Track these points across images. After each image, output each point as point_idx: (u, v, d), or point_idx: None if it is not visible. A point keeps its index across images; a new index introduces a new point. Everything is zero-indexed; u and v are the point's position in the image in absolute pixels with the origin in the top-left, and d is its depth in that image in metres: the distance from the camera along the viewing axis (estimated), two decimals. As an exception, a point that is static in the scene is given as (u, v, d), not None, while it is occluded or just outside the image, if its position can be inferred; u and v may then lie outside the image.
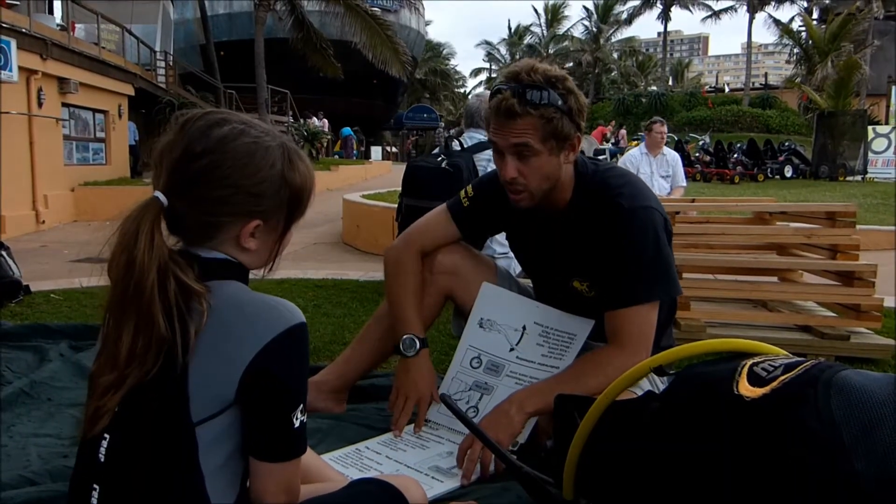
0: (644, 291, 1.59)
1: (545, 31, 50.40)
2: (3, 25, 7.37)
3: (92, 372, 0.97)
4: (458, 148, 3.23)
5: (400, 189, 3.35)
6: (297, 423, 0.94)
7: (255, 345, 0.91)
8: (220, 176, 0.95)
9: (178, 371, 0.90)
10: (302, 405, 0.95)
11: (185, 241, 1.00)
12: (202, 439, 0.91)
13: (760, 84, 38.88)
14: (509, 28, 55.27)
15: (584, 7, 48.12)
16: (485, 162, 2.98)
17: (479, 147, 3.09)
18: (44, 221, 8.17)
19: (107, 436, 0.94)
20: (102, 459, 0.93)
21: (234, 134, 0.98)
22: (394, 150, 36.27)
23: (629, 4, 42.76)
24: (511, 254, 3.00)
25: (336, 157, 22.44)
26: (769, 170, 15.91)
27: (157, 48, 17.54)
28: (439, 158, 3.15)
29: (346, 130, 24.92)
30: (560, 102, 1.50)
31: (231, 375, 0.90)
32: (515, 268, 2.95)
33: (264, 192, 0.99)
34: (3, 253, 3.59)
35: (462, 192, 1.86)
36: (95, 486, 0.93)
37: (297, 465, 0.97)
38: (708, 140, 17.90)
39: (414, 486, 1.18)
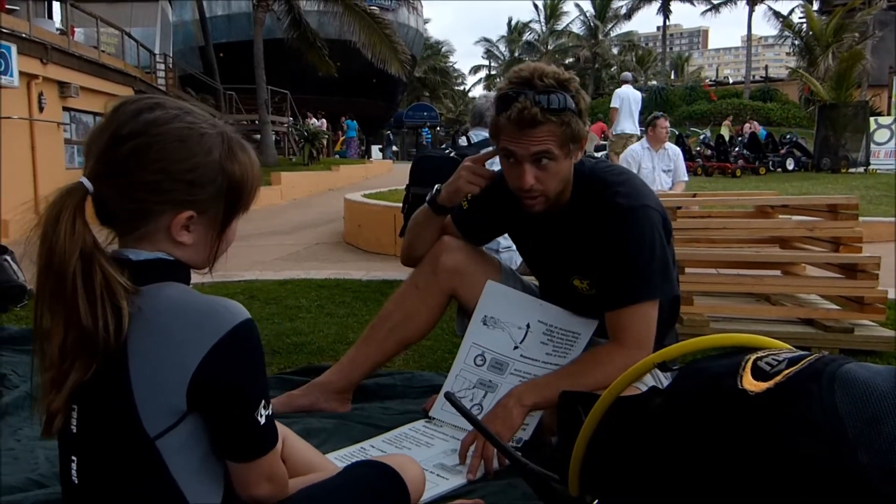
0: (643, 290, 1.59)
1: (544, 28, 50.35)
2: (3, 30, 7.38)
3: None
4: (466, 144, 3.30)
5: (404, 187, 3.42)
6: (262, 420, 0.92)
7: (199, 352, 0.87)
8: (149, 160, 0.90)
9: (108, 372, 0.87)
10: (264, 401, 0.92)
11: (117, 234, 0.95)
12: (166, 451, 0.88)
13: (761, 77, 38.76)
14: (509, 25, 55.12)
15: (577, 5, 47.87)
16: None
17: (488, 143, 3.14)
18: (47, 225, 8.18)
19: (74, 458, 0.92)
20: (76, 482, 0.92)
21: (165, 118, 0.92)
22: (394, 148, 36.28)
23: (628, -1, 42.75)
24: (514, 247, 3.01)
25: (337, 156, 22.45)
26: (771, 163, 15.86)
27: (157, 51, 17.56)
28: (447, 150, 3.22)
29: (351, 130, 24.84)
30: (573, 105, 1.50)
31: (177, 385, 0.87)
32: (517, 259, 2.97)
33: (197, 180, 0.93)
34: (7, 258, 3.59)
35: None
36: None
37: (275, 454, 0.96)
38: (709, 134, 17.87)
39: (409, 464, 1.17)
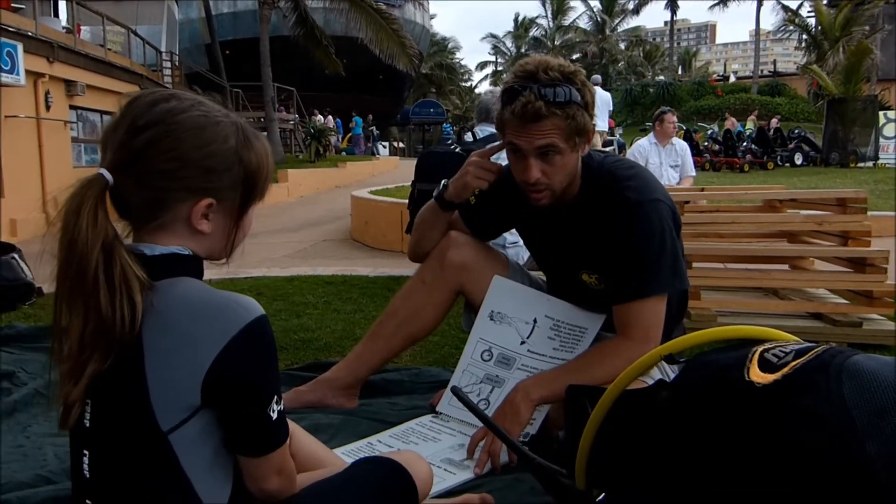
0: (651, 284, 1.59)
1: (551, 23, 50.20)
2: (10, 29, 7.41)
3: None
4: (471, 139, 3.30)
5: (410, 183, 3.43)
6: (274, 416, 0.92)
7: (213, 348, 0.87)
8: (166, 148, 0.91)
9: (123, 367, 0.87)
10: (276, 396, 0.93)
11: (135, 226, 0.95)
12: (178, 445, 0.88)
13: (769, 71, 38.55)
14: (515, 21, 54.91)
15: (584, 0, 47.44)
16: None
17: (493, 139, 3.13)
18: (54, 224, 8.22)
19: (86, 452, 0.93)
20: (88, 475, 0.93)
21: (181, 107, 0.93)
22: (401, 145, 36.33)
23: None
24: (521, 243, 3.03)
25: (344, 153, 22.47)
26: (779, 157, 15.78)
27: (163, 49, 17.62)
28: (452, 146, 3.23)
29: (357, 127, 24.88)
30: (579, 98, 1.49)
31: (192, 381, 0.87)
32: (524, 255, 2.98)
33: (215, 167, 0.93)
34: (15, 255, 3.61)
35: None
36: (88, 501, 0.94)
37: (286, 449, 0.97)
38: (717, 129, 17.81)
39: (417, 461, 1.17)
